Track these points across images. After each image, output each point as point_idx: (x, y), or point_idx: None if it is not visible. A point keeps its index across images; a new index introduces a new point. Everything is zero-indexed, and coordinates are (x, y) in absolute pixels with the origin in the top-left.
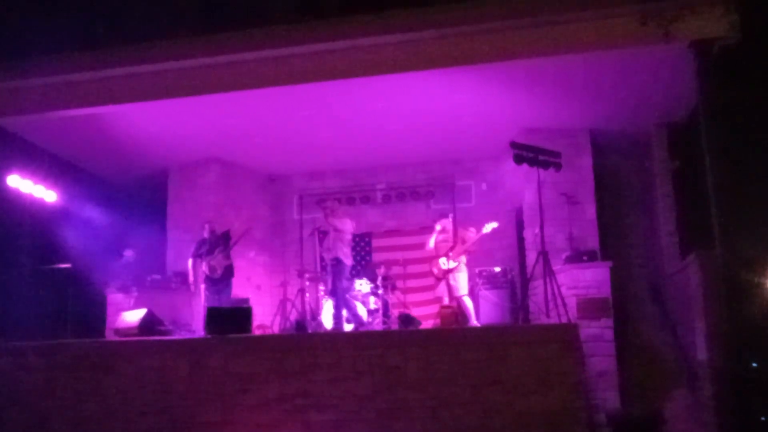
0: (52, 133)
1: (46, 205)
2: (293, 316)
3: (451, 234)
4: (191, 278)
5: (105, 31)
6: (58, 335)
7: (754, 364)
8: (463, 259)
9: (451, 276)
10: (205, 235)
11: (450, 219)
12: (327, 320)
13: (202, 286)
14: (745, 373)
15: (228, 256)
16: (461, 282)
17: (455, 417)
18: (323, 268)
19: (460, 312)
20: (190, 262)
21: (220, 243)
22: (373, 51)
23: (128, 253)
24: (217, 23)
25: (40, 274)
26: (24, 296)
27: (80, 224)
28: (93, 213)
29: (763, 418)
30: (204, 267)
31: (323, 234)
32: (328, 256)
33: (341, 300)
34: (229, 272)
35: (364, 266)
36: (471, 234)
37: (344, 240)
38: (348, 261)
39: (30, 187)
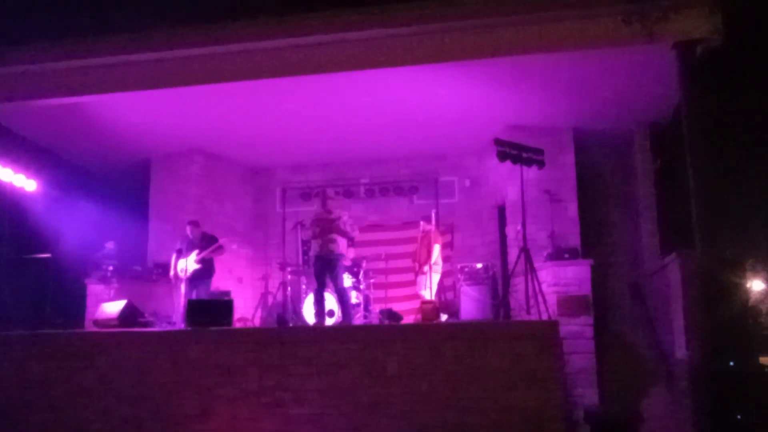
0: (34, 122)
1: (26, 194)
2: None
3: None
4: (171, 272)
5: (88, 20)
6: (37, 325)
7: (731, 363)
8: (437, 260)
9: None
10: (189, 235)
11: (424, 223)
12: (310, 314)
13: (181, 283)
14: (722, 372)
15: (200, 261)
16: (423, 283)
17: (434, 412)
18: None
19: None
20: (173, 257)
21: (197, 246)
22: (358, 46)
23: (110, 245)
24: (203, 14)
25: (19, 264)
26: (3, 286)
27: (61, 214)
28: (74, 203)
29: (739, 416)
30: (179, 266)
31: (318, 228)
32: (336, 250)
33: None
34: (199, 274)
35: None
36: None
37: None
38: None
39: (10, 175)
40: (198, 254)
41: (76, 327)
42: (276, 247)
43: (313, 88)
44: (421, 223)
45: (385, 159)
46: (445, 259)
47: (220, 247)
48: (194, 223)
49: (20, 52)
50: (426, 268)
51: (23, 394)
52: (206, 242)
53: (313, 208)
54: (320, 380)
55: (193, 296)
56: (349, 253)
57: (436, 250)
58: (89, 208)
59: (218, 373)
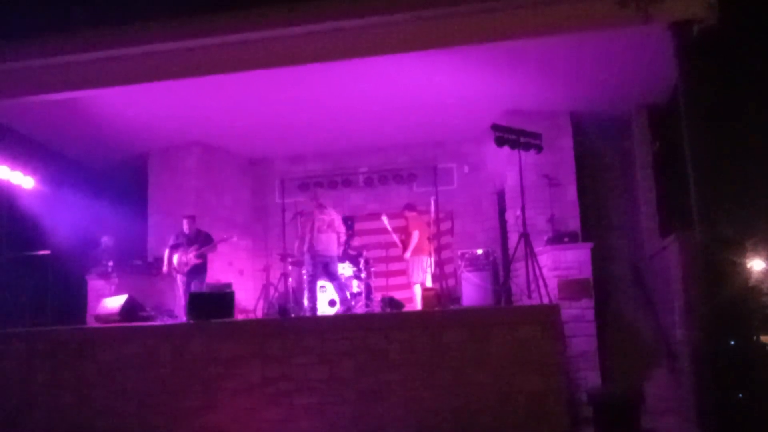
0: (30, 118)
1: (24, 191)
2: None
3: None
4: (165, 268)
5: (82, 14)
6: (39, 322)
7: (732, 342)
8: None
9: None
10: (185, 230)
11: (407, 211)
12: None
13: (178, 276)
14: (723, 351)
15: (200, 257)
16: (410, 271)
17: (437, 398)
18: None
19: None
20: (165, 252)
21: (197, 241)
22: (353, 34)
23: (105, 239)
24: (195, 5)
25: (19, 262)
26: (3, 283)
27: (59, 210)
28: (72, 199)
29: (740, 395)
30: (175, 260)
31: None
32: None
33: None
34: (197, 269)
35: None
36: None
37: None
38: None
39: (7, 173)
40: (197, 249)
41: (78, 323)
42: (276, 238)
43: (309, 78)
44: (405, 212)
45: (384, 147)
46: (446, 245)
47: (215, 246)
48: (191, 218)
49: (12, 48)
50: (407, 254)
51: (26, 391)
52: (201, 238)
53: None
54: (323, 370)
55: (192, 290)
56: (354, 241)
57: (414, 238)
58: (88, 203)
59: (221, 366)
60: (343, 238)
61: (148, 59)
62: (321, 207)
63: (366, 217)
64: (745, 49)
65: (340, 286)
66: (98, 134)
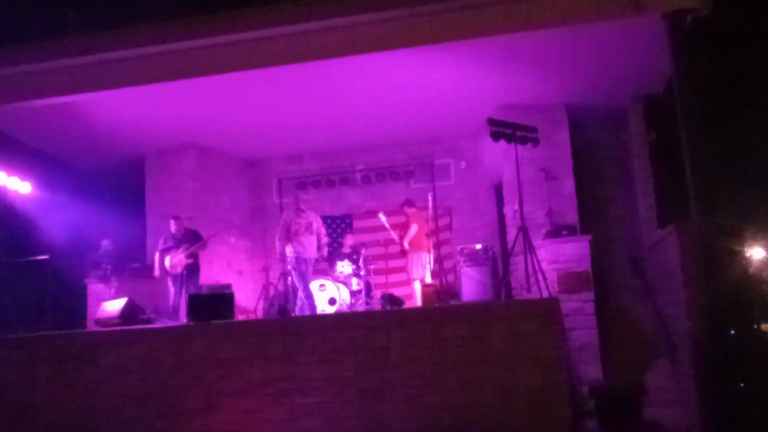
0: (25, 123)
1: (21, 196)
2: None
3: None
4: (157, 272)
5: (76, 17)
6: (39, 327)
7: (732, 332)
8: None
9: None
10: (172, 230)
11: (407, 208)
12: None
13: (169, 278)
14: (724, 341)
15: (190, 256)
16: (409, 267)
17: (439, 395)
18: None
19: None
20: (156, 255)
21: (186, 241)
22: (348, 31)
23: (105, 243)
24: (190, 6)
25: (18, 267)
26: (3, 289)
27: (57, 215)
28: (69, 203)
29: (741, 385)
30: (167, 263)
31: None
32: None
33: None
34: (191, 269)
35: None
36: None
37: None
38: None
39: (4, 178)
40: (187, 249)
41: (78, 327)
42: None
43: (304, 77)
44: (405, 208)
45: (380, 145)
46: (444, 241)
47: (205, 243)
48: (177, 218)
49: (8, 53)
50: (406, 244)
51: (28, 396)
52: (191, 237)
53: (309, 197)
54: (324, 369)
55: (184, 292)
56: (347, 240)
57: (412, 230)
58: (85, 207)
59: (222, 367)
60: (324, 239)
61: (142, 62)
62: (298, 211)
63: (364, 215)
64: (738, 38)
65: (305, 288)
66: (94, 138)
